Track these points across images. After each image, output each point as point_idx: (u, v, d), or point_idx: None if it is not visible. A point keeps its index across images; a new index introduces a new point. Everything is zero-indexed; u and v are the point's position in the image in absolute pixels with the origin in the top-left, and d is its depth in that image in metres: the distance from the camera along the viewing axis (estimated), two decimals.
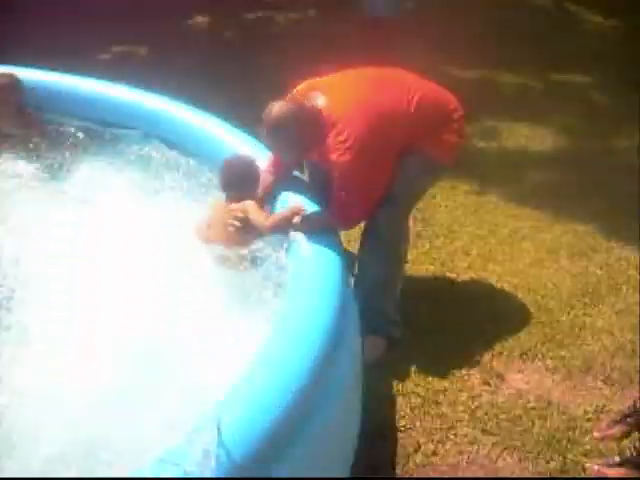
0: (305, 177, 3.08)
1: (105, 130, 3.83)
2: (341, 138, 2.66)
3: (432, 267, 3.65)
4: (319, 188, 2.85)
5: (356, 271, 2.99)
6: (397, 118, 2.80)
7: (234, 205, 2.85)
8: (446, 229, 4.00)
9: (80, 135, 3.76)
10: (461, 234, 3.97)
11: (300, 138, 2.69)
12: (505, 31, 6.86)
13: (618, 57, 6.46)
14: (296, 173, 3.05)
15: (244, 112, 4.01)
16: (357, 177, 2.70)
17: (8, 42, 5.04)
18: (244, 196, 2.86)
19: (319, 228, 2.60)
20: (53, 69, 4.15)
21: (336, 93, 2.78)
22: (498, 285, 3.53)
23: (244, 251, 2.76)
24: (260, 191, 2.90)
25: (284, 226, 2.64)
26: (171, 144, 3.62)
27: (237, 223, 2.79)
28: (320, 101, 2.75)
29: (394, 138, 2.80)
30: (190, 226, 2.97)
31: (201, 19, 7.49)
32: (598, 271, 3.64)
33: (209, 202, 3.08)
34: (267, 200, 2.92)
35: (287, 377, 1.95)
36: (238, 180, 2.89)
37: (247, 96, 5.05)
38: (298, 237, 2.59)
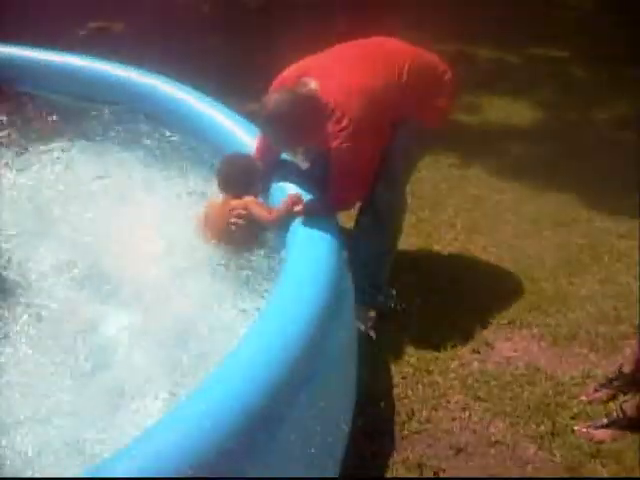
0: (299, 162, 3.06)
1: (87, 105, 3.80)
2: (341, 125, 2.65)
3: (418, 239, 3.67)
4: (317, 172, 2.85)
5: (352, 243, 3.00)
6: (390, 92, 2.78)
7: (234, 202, 2.81)
8: (431, 202, 4.03)
9: (54, 110, 3.73)
10: (446, 207, 4.01)
11: (299, 127, 2.66)
12: (480, 6, 6.85)
13: (593, 30, 6.52)
14: (284, 157, 3.02)
15: (224, 84, 4.00)
16: (357, 161, 2.71)
17: None
18: (243, 193, 2.82)
19: (320, 214, 2.62)
20: (29, 45, 4.08)
21: (329, 77, 2.74)
22: (483, 256, 3.58)
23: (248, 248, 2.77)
24: None
25: (287, 217, 2.62)
26: (155, 118, 3.60)
27: (240, 221, 2.76)
28: (314, 87, 2.71)
29: (389, 113, 2.80)
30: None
31: None
32: (580, 241, 3.70)
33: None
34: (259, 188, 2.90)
35: (283, 347, 1.95)
36: (238, 179, 2.84)
37: (226, 68, 5.02)
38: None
